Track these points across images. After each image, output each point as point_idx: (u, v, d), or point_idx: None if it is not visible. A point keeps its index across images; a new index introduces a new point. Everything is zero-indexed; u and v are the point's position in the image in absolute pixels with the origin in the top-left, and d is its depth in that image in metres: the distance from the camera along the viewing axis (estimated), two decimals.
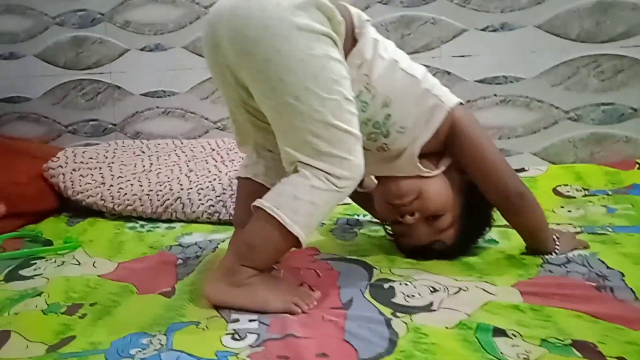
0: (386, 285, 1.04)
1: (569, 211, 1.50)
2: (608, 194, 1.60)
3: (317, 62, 0.92)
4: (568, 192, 1.67)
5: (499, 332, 0.84)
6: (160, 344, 0.86)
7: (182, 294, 1.05)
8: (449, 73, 1.95)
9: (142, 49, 2.20)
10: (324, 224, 1.46)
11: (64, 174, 1.75)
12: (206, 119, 2.20)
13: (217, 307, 0.97)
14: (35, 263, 1.29)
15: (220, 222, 1.58)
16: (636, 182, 1.66)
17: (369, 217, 1.51)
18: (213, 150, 1.94)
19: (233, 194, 1.62)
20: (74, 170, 1.77)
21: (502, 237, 1.28)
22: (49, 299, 1.06)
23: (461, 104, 1.12)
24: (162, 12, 2.16)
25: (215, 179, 1.70)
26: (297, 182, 0.93)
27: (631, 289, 0.97)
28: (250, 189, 1.13)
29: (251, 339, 0.86)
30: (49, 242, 1.47)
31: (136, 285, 1.11)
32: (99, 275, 1.19)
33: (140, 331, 0.90)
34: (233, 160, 1.83)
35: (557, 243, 1.16)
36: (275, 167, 1.12)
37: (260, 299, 0.95)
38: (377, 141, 1.09)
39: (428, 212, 1.12)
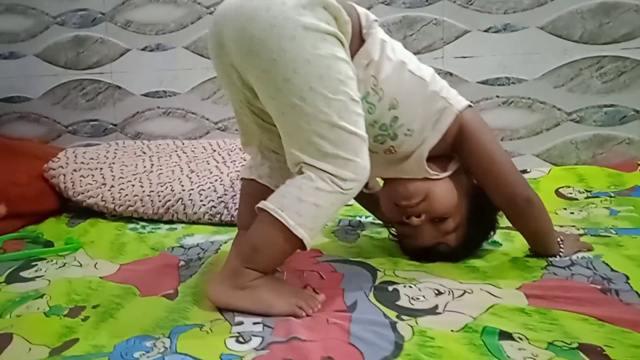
0: (390, 288, 1.04)
1: (572, 213, 1.50)
2: (610, 196, 1.60)
3: (323, 62, 0.91)
4: (570, 194, 1.67)
5: (505, 336, 0.84)
6: (164, 347, 0.85)
7: (185, 296, 1.04)
8: (451, 74, 1.94)
9: (143, 49, 2.19)
10: (326, 225, 1.46)
11: (64, 175, 1.74)
12: (207, 119, 2.19)
13: (221, 310, 0.96)
14: (36, 264, 1.28)
15: (221, 224, 1.58)
16: (638, 184, 1.67)
17: (371, 218, 1.51)
18: (214, 151, 1.93)
19: (235, 195, 1.61)
20: (75, 170, 1.76)
21: (505, 239, 1.28)
22: (50, 301, 1.05)
23: (470, 106, 1.11)
24: (164, 12, 2.15)
25: (216, 180, 1.70)
26: (302, 184, 0.92)
27: (636, 292, 0.97)
28: (255, 191, 1.12)
29: (256, 342, 0.85)
30: (49, 243, 1.46)
31: (139, 287, 1.10)
32: (100, 277, 1.18)
33: (144, 334, 0.89)
34: (234, 161, 1.82)
35: (562, 246, 1.15)
36: (279, 169, 1.12)
37: (264, 302, 0.94)
38: (384, 143, 1.09)
39: (434, 214, 1.12)
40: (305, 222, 0.91)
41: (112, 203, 1.67)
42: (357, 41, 1.02)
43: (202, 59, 2.14)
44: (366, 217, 1.52)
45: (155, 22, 2.17)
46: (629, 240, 1.24)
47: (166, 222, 1.62)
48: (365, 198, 1.31)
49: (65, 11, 2.23)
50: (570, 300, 0.95)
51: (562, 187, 1.70)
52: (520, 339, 0.83)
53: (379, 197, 1.36)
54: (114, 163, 1.85)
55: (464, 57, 1.94)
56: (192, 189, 1.66)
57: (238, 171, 1.73)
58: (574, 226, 1.37)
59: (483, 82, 1.94)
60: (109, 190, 1.70)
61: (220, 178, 1.71)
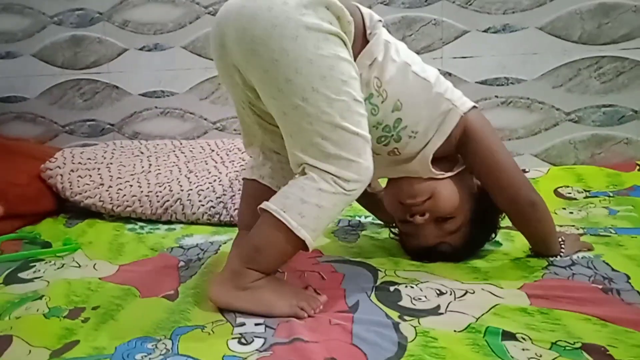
0: (392, 288, 1.03)
1: (571, 213, 1.50)
2: (609, 196, 1.60)
3: (325, 62, 0.90)
4: (569, 193, 1.67)
5: (508, 336, 0.84)
6: (166, 348, 0.84)
7: (185, 297, 1.04)
8: (450, 74, 1.94)
9: (140, 49, 2.18)
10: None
11: (61, 175, 1.73)
12: (205, 119, 2.18)
13: (222, 311, 0.96)
14: (35, 265, 1.27)
15: (220, 224, 1.57)
16: (637, 183, 1.67)
17: (370, 218, 1.50)
18: (212, 151, 1.92)
19: (234, 195, 1.61)
20: (72, 171, 1.75)
21: (506, 239, 1.28)
22: (50, 303, 1.04)
23: (475, 107, 1.11)
24: (162, 12, 2.14)
25: (215, 180, 1.69)
26: (305, 185, 0.92)
27: (637, 292, 0.97)
28: (256, 191, 1.12)
29: (258, 343, 0.85)
30: (47, 244, 1.45)
31: (138, 288, 1.10)
32: (100, 278, 1.17)
33: (145, 335, 0.89)
34: (233, 161, 1.81)
35: (563, 245, 1.15)
36: (281, 170, 1.11)
37: (266, 303, 0.94)
38: (387, 145, 1.08)
39: (439, 214, 1.12)
40: (307, 223, 0.91)
41: (110, 203, 1.66)
42: (361, 41, 1.01)
43: (200, 58, 2.13)
44: (366, 217, 1.52)
45: (153, 21, 2.16)
46: (628, 240, 1.24)
47: (164, 223, 1.62)
48: (365, 198, 1.31)
49: (63, 11, 2.22)
50: (572, 300, 0.95)
51: (561, 187, 1.70)
52: (524, 339, 0.83)
53: (378, 198, 1.36)
54: (111, 163, 1.84)
55: (463, 58, 1.94)
56: (191, 189, 1.65)
57: (237, 171, 1.72)
58: (573, 226, 1.37)
59: (482, 82, 1.94)
60: (107, 190, 1.69)
61: (219, 178, 1.70)
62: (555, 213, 1.48)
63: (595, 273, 1.06)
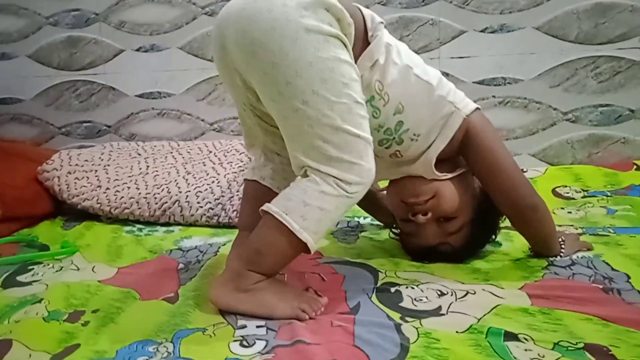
0: (393, 289, 1.03)
1: (569, 212, 1.50)
2: (607, 195, 1.61)
3: (325, 64, 0.90)
4: (567, 193, 1.67)
5: (510, 337, 0.84)
6: (168, 351, 0.84)
7: (186, 299, 1.03)
8: (447, 74, 1.94)
9: (137, 50, 2.17)
10: None
11: (58, 177, 1.73)
12: (202, 120, 2.18)
13: (223, 313, 0.95)
14: (33, 269, 1.27)
15: (219, 225, 1.57)
16: (634, 183, 1.68)
17: (369, 219, 1.50)
18: (210, 152, 1.92)
19: (232, 197, 1.60)
20: (69, 173, 1.74)
21: (505, 239, 1.28)
22: (49, 306, 1.03)
23: (477, 109, 1.11)
24: (158, 13, 2.13)
25: (213, 182, 1.69)
26: (307, 187, 0.91)
27: (638, 291, 0.97)
28: (257, 192, 1.12)
29: (260, 345, 0.84)
30: (45, 247, 1.44)
31: (138, 291, 1.09)
32: (99, 281, 1.16)
33: (146, 338, 0.88)
34: (231, 162, 1.81)
35: (563, 245, 1.15)
36: (282, 171, 1.11)
37: (267, 305, 0.93)
38: (389, 148, 1.08)
39: (441, 214, 1.11)
40: (309, 226, 0.90)
41: (108, 205, 1.65)
42: (362, 43, 1.01)
43: (197, 59, 2.13)
44: (364, 218, 1.52)
45: (150, 22, 2.15)
46: (627, 239, 1.25)
47: (163, 225, 1.61)
48: (364, 199, 1.30)
49: (58, 11, 2.21)
50: (573, 300, 0.95)
51: (559, 186, 1.71)
52: (526, 339, 0.83)
53: (377, 199, 1.36)
54: (108, 165, 1.83)
55: (461, 58, 1.94)
56: (189, 191, 1.65)
57: (235, 173, 1.72)
58: (572, 225, 1.37)
59: (479, 82, 1.94)
60: (105, 192, 1.69)
61: (217, 179, 1.70)
62: (554, 213, 1.48)
63: (596, 273, 1.06)
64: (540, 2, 1.87)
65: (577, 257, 1.15)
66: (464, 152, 1.11)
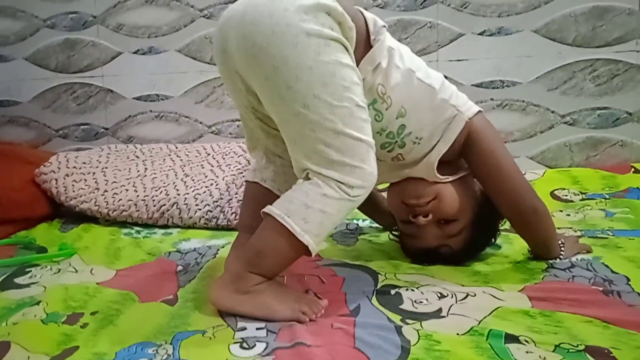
0: (393, 292, 1.03)
1: (568, 215, 1.50)
2: (605, 198, 1.61)
3: (326, 68, 0.89)
4: (566, 196, 1.67)
5: (511, 339, 0.84)
6: (167, 353, 0.83)
7: (185, 301, 1.03)
8: (445, 77, 1.91)
9: (135, 52, 2.17)
10: None
11: (56, 179, 1.72)
12: (200, 123, 2.17)
13: (223, 315, 0.95)
14: (31, 271, 1.26)
15: (218, 228, 1.57)
16: (632, 185, 1.68)
17: (368, 222, 1.50)
18: (208, 154, 1.91)
19: (231, 199, 1.60)
20: (67, 175, 1.74)
21: (505, 241, 1.28)
22: (47, 308, 1.03)
23: (480, 112, 1.11)
24: (156, 15, 2.13)
25: (212, 184, 1.68)
26: (309, 190, 0.91)
27: (638, 293, 0.97)
28: (258, 194, 1.12)
29: (260, 347, 0.84)
30: (42, 249, 1.44)
31: (137, 293, 1.08)
32: (97, 283, 1.16)
33: (146, 340, 0.88)
34: (229, 165, 1.81)
35: (562, 248, 1.15)
36: (283, 174, 1.11)
37: (268, 307, 0.93)
38: (392, 151, 1.08)
39: (442, 216, 1.11)
40: (311, 229, 0.90)
41: (106, 208, 1.64)
42: (364, 47, 1.00)
43: (195, 62, 2.13)
44: (363, 220, 1.52)
45: (148, 25, 2.15)
46: (626, 241, 1.25)
47: (161, 227, 1.61)
48: (364, 202, 1.30)
49: (56, 14, 2.21)
50: (574, 302, 0.95)
51: (557, 189, 1.71)
52: (527, 341, 0.83)
53: (377, 202, 1.36)
54: (106, 167, 1.82)
55: (459, 60, 1.95)
56: (188, 193, 1.64)
57: (233, 175, 1.71)
58: (570, 228, 1.37)
59: (477, 85, 1.95)
60: (102, 195, 1.68)
61: (215, 182, 1.69)
62: (553, 215, 1.46)
63: (595, 275, 1.06)
64: (538, 5, 1.88)
65: (577, 259, 1.15)
66: (465, 155, 1.11)
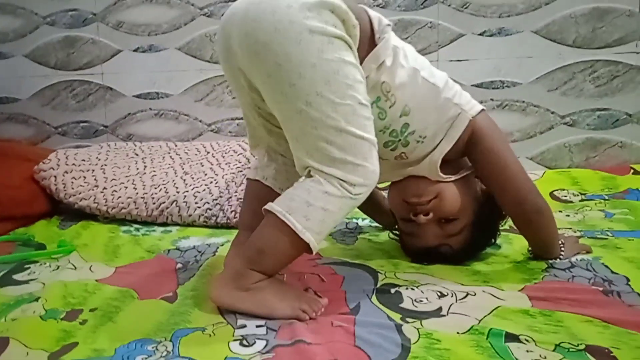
0: (393, 290, 1.03)
1: (567, 216, 1.50)
2: (605, 199, 1.61)
3: (329, 66, 0.89)
4: (565, 196, 1.68)
5: (511, 338, 0.83)
6: (167, 350, 0.83)
7: (184, 299, 1.02)
8: None
9: (135, 50, 2.17)
10: None
11: (55, 177, 1.72)
12: (200, 121, 2.17)
13: (223, 313, 0.95)
14: (29, 267, 1.25)
15: (217, 226, 1.56)
16: (631, 186, 1.68)
17: (368, 221, 1.50)
18: (208, 152, 1.91)
19: (230, 198, 1.60)
20: (66, 172, 1.73)
21: (505, 241, 1.28)
22: (46, 305, 1.02)
23: (483, 110, 1.11)
24: (157, 13, 2.13)
25: (211, 182, 1.68)
26: (311, 188, 0.91)
27: (638, 294, 0.97)
28: (259, 191, 1.12)
29: (260, 345, 0.84)
30: (41, 246, 1.43)
31: (136, 290, 1.08)
32: (97, 280, 1.15)
33: (145, 337, 0.88)
34: (229, 163, 1.80)
35: (562, 248, 1.15)
36: (285, 172, 1.11)
37: (268, 305, 0.92)
38: (395, 150, 1.08)
39: (443, 215, 1.11)
40: (312, 226, 0.90)
41: (105, 205, 1.64)
42: (368, 45, 1.00)
43: (195, 60, 2.13)
44: (363, 219, 1.52)
45: (148, 23, 2.15)
46: (625, 242, 1.25)
47: (160, 225, 1.60)
48: (364, 201, 1.31)
49: (56, 11, 2.20)
50: (574, 302, 0.95)
51: (557, 190, 1.71)
52: (527, 340, 0.83)
53: (377, 201, 1.36)
54: (106, 165, 1.82)
55: (459, 61, 1.95)
56: (187, 191, 1.64)
57: (233, 173, 1.71)
58: (570, 228, 1.37)
59: (477, 86, 1.95)
60: (102, 192, 1.68)
61: (215, 180, 1.69)
62: None
63: (595, 275, 1.06)
64: (538, 6, 1.88)
65: (577, 259, 1.15)
66: (469, 154, 1.11)
